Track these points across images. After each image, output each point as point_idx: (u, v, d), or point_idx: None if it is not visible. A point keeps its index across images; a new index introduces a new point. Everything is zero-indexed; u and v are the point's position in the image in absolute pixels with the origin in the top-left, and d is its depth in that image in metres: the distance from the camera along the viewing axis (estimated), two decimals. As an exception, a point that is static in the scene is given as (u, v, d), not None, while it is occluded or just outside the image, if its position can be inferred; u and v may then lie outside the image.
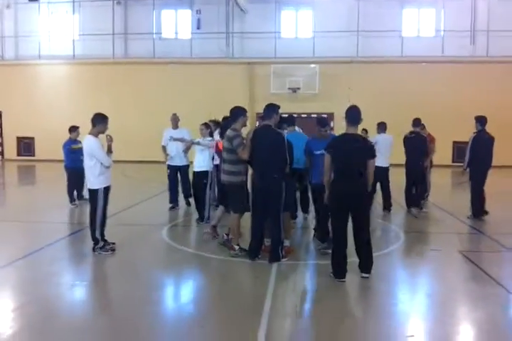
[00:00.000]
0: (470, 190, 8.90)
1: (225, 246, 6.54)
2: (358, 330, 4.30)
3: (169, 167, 9.43)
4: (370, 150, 5.50)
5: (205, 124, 8.49)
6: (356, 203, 5.39)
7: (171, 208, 9.54)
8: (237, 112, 6.32)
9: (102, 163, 6.31)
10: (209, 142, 8.18)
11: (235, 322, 4.39)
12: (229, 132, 6.25)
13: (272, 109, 6.17)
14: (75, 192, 10.11)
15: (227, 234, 6.66)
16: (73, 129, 10.16)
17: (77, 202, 9.95)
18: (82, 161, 9.37)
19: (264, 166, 6.00)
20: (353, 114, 5.51)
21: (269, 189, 5.98)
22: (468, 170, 8.85)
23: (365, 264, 5.50)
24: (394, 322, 4.44)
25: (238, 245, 6.32)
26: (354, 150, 5.38)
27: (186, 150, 9.04)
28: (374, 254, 5.61)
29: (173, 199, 9.58)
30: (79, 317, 4.53)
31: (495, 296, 5.09)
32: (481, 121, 8.83)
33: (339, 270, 5.42)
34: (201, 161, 8.25)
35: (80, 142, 9.57)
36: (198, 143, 8.28)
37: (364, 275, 5.49)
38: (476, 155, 8.66)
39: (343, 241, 5.43)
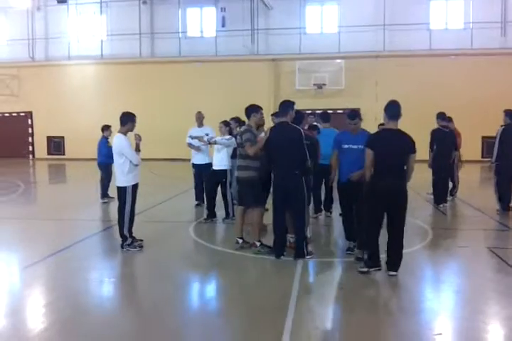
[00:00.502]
0: (495, 184, 8.81)
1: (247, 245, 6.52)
2: (385, 328, 4.26)
3: (193, 165, 9.47)
4: (411, 145, 5.45)
5: (224, 122, 8.30)
6: (397, 199, 5.39)
7: (197, 205, 9.65)
8: (250, 110, 6.41)
9: (130, 161, 6.42)
10: (227, 141, 7.99)
11: (261, 319, 4.40)
12: (242, 128, 6.55)
13: (287, 105, 6.14)
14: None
15: (241, 238, 6.55)
16: (106, 128, 10.56)
17: (106, 199, 10.28)
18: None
19: (284, 163, 5.97)
20: (393, 109, 5.48)
21: (289, 185, 5.97)
22: (495, 164, 8.73)
23: (394, 262, 5.47)
24: (422, 320, 4.39)
25: (260, 241, 6.36)
26: (396, 145, 5.37)
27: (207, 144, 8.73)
28: (402, 252, 5.56)
29: (199, 197, 9.66)
30: (107, 313, 4.64)
31: (525, 294, 4.99)
32: (510, 114, 8.69)
33: (375, 259, 5.46)
34: (219, 160, 8.14)
35: None
36: (215, 142, 8.14)
37: (391, 273, 5.45)
38: (504, 149, 8.54)
39: (376, 238, 5.47)
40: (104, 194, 10.39)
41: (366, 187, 5.51)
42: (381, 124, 9.40)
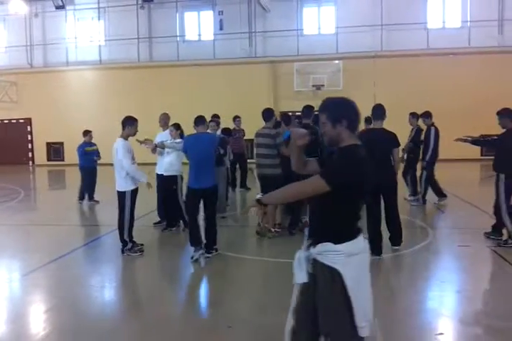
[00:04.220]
0: (425, 177, 9.55)
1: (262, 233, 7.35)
2: (387, 328, 4.25)
3: (156, 176, 8.05)
4: (394, 141, 6.33)
5: (175, 125, 7.66)
6: (388, 185, 6.20)
7: (155, 223, 8.29)
8: (271, 113, 7.33)
9: (123, 167, 6.35)
10: (176, 144, 7.27)
11: (263, 319, 4.40)
12: (268, 130, 7.18)
13: (311, 109, 7.53)
14: (87, 195, 11.13)
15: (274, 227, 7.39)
16: (86, 133, 11.20)
17: (84, 201, 11.00)
18: (94, 162, 10.76)
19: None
20: (378, 111, 6.35)
21: (303, 177, 6.84)
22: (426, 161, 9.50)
23: (396, 236, 6.33)
24: (423, 320, 4.38)
25: (274, 228, 7.33)
26: (382, 142, 6.12)
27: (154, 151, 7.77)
28: (403, 252, 5.92)
29: (160, 214, 8.27)
30: (109, 319, 4.62)
31: (527, 292, 4.97)
32: (429, 115, 9.62)
33: (376, 247, 5.95)
34: (168, 164, 7.63)
35: (94, 144, 11.01)
36: (163, 147, 7.45)
37: (395, 247, 6.30)
38: (436, 148, 9.42)
39: (379, 221, 6.19)
40: (82, 197, 11.08)
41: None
42: (367, 118, 10.17)
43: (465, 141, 7.29)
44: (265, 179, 7.17)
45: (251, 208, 2.83)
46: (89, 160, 10.96)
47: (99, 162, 11.13)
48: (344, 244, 2.69)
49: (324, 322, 2.76)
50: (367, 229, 6.14)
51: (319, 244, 2.72)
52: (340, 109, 2.78)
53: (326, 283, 2.73)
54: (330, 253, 2.69)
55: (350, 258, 2.69)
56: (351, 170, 2.64)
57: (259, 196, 2.82)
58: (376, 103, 6.44)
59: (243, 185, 12.30)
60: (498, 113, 6.65)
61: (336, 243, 2.68)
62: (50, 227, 8.76)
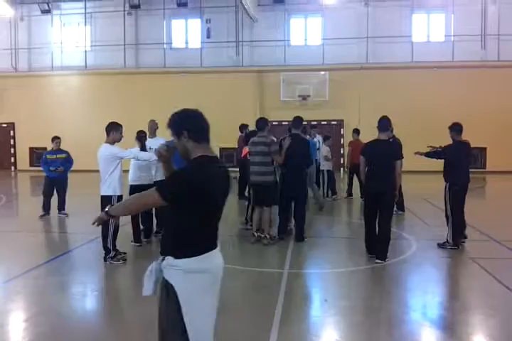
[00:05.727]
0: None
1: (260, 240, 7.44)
2: (368, 338, 4.27)
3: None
4: (397, 153, 6.42)
5: (139, 135, 7.57)
6: (384, 197, 6.28)
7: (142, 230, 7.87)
8: (265, 122, 7.46)
9: (137, 159, 6.72)
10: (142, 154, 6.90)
11: (249, 332, 4.38)
12: (264, 138, 7.31)
13: (300, 119, 7.81)
14: (48, 204, 10.13)
15: (257, 231, 7.47)
16: (53, 139, 10.08)
17: (46, 214, 9.95)
18: (54, 172, 9.65)
19: (296, 167, 7.42)
20: (382, 123, 6.49)
21: (298, 184, 7.42)
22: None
23: (383, 251, 6.32)
24: (405, 331, 4.39)
25: (269, 234, 7.44)
26: (384, 153, 6.31)
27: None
28: (386, 263, 6.03)
29: (143, 223, 7.81)
30: (90, 327, 4.56)
31: (507, 303, 5.03)
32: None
33: (371, 247, 6.49)
34: (139, 173, 7.41)
35: (60, 152, 9.88)
36: (135, 158, 6.95)
37: (378, 261, 6.26)
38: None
39: (374, 228, 6.46)
40: (45, 209, 10.04)
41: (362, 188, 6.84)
42: (355, 129, 11.59)
43: (421, 154, 7.44)
44: (257, 187, 7.46)
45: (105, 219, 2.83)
46: (47, 169, 9.82)
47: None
48: (183, 260, 2.60)
49: (159, 333, 2.75)
50: (365, 232, 6.63)
51: (166, 257, 2.67)
52: (180, 121, 2.76)
53: (162, 297, 2.68)
54: (170, 268, 2.63)
55: (188, 275, 2.61)
56: (184, 184, 2.56)
57: (107, 208, 2.79)
58: (382, 115, 6.59)
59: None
60: (449, 127, 7.21)
61: (175, 257, 2.62)
62: (31, 234, 8.61)
